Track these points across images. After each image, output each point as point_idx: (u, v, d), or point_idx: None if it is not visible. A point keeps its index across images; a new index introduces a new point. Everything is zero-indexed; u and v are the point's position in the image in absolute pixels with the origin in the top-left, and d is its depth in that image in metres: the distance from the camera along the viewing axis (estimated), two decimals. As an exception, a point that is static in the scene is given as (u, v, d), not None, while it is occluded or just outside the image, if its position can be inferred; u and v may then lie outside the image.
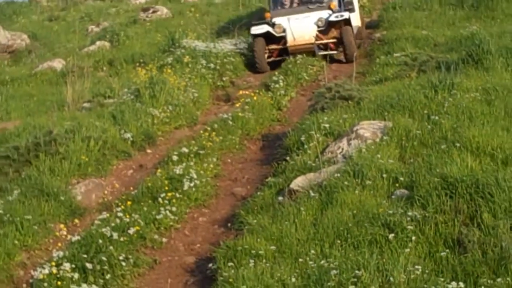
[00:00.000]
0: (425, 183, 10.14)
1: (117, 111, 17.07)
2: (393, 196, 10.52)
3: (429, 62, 17.26)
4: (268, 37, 22.27)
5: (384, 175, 10.99)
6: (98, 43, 28.49)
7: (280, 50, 22.58)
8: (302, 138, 13.65)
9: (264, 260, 9.55)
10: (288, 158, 13.43)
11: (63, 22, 38.60)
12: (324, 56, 22.24)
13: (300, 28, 21.87)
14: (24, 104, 20.79)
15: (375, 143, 12.30)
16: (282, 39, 22.29)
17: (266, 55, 22.38)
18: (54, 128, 14.82)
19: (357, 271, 8.47)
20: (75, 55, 26.11)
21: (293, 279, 8.86)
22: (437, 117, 12.79)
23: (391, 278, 8.34)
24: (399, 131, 12.59)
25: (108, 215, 11.98)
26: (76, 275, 9.84)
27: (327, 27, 22.05)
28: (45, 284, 9.66)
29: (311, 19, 21.97)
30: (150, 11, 34.88)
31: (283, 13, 22.40)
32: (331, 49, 22.23)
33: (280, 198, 11.62)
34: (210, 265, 10.34)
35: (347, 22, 22.01)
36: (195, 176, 13.24)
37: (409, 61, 17.54)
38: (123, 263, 10.43)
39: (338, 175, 11.27)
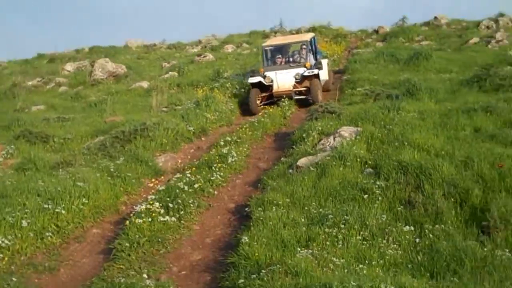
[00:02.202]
0: (388, 165, 9.89)
1: (185, 113, 16.86)
2: (364, 173, 10.27)
3: (381, 94, 17.00)
4: (260, 86, 19.76)
5: (358, 159, 10.74)
6: (170, 73, 28.12)
7: (268, 96, 19.99)
8: (304, 135, 13.40)
9: (282, 208, 9.30)
10: (294, 147, 13.15)
11: (147, 59, 38.28)
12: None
13: (283, 79, 19.70)
14: (124, 107, 20.51)
15: (351, 140, 12.01)
16: (270, 87, 19.83)
17: (258, 101, 19.70)
18: (146, 121, 14.58)
19: (345, 216, 8.22)
20: (156, 79, 25.91)
21: (302, 219, 8.61)
22: (390, 126, 12.52)
23: (367, 222, 8.10)
24: (366, 133, 12.29)
25: (180, 175, 11.70)
26: (162, 210, 9.58)
27: (301, 79, 19.72)
28: (143, 215, 9.37)
29: (291, 74, 19.67)
30: (202, 56, 34.65)
31: (272, 69, 20.05)
32: (303, 95, 19.73)
33: (290, 170, 11.35)
34: (246, 209, 10.08)
35: (316, 76, 19.86)
36: (235, 155, 13.03)
37: (369, 92, 17.28)
38: (192, 205, 10.19)
39: (328, 158, 11.01)
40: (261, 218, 8.89)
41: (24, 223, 9.07)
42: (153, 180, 12.58)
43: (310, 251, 7.36)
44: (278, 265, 6.89)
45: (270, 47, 21.23)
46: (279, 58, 20.84)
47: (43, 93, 27.77)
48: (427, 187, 8.93)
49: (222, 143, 14.09)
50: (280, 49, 21.23)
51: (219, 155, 12.86)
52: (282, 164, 12.10)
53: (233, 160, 12.74)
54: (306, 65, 19.94)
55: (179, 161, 13.81)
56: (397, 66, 24.96)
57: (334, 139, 12.38)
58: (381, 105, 14.43)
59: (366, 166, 10.56)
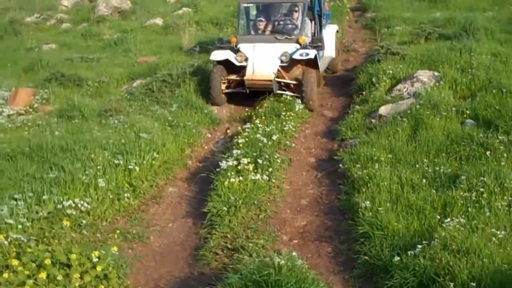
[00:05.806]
0: (503, 117, 8.89)
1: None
2: (465, 124, 9.30)
3: (432, 33, 15.86)
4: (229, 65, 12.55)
5: (453, 108, 9.75)
6: (184, 9, 26.03)
7: (239, 81, 12.47)
8: (373, 79, 12.27)
9: (385, 165, 8.33)
10: (364, 93, 12.08)
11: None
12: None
13: (262, 60, 12.18)
14: (147, 46, 19.00)
15: (433, 86, 11.01)
16: (242, 69, 12.36)
17: (224, 85, 12.62)
18: (194, 63, 13.39)
19: (481, 178, 7.25)
20: (170, 16, 24.44)
21: (423, 180, 7.63)
22: (472, 70, 11.49)
23: (505, 184, 7.15)
24: (447, 78, 11.30)
25: (252, 125, 10.58)
26: (251, 167, 8.50)
27: (290, 63, 12.39)
28: (232, 173, 8.32)
29: (276, 52, 12.28)
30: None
31: (251, 39, 12.78)
32: (291, 90, 12.47)
33: (372, 120, 10.35)
34: (340, 165, 9.05)
35: (313, 63, 12.48)
36: (299, 101, 11.92)
37: (420, 32, 16.06)
38: (278, 160, 9.12)
39: (418, 106, 9.99)
40: (367, 177, 7.94)
41: (101, 183, 8.02)
42: (210, 129, 11.57)
43: (457, 220, 6.40)
44: (434, 239, 5.93)
45: (250, 3, 13.79)
46: (261, 21, 13.33)
47: (46, 31, 26.18)
48: (559, 144, 7.97)
49: (280, 89, 12.89)
50: (266, 8, 13.71)
51: (284, 102, 11.77)
52: (357, 112, 11.06)
53: (300, 107, 11.65)
54: (300, 40, 12.55)
55: (232, 107, 12.72)
56: (423, 4, 23.74)
57: (412, 85, 11.35)
58: (448, 46, 13.31)
59: (465, 116, 9.59)
